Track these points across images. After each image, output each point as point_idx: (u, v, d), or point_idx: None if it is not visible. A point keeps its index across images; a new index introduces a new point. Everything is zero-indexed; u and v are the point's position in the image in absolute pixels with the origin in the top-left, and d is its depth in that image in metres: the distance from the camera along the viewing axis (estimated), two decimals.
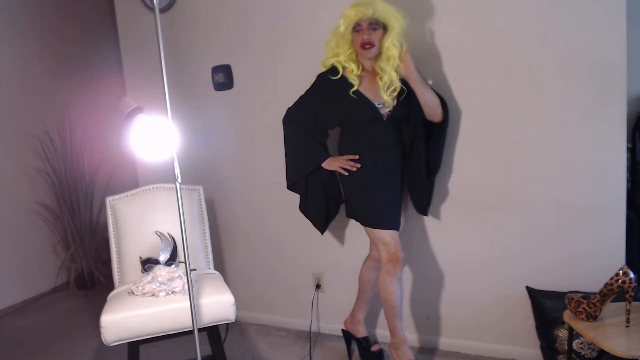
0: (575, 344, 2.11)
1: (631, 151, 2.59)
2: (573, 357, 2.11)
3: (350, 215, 2.37)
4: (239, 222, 3.02)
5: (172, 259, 2.21)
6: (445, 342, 2.59)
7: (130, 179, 3.55)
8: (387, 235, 2.23)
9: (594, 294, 1.88)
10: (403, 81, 2.19)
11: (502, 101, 2.28)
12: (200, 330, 1.98)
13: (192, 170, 2.72)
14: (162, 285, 2.08)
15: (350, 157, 2.25)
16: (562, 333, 2.19)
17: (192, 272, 2.08)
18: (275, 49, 2.71)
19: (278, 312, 3.02)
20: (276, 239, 2.93)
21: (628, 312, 1.74)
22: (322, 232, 2.48)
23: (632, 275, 1.74)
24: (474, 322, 2.50)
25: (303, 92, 2.33)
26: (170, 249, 2.22)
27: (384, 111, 2.22)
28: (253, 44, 2.76)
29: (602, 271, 1.96)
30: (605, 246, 2.19)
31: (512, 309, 2.39)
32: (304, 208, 2.45)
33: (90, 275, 3.80)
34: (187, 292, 1.92)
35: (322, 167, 2.33)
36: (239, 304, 2.22)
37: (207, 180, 2.83)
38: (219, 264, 3.07)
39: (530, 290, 2.32)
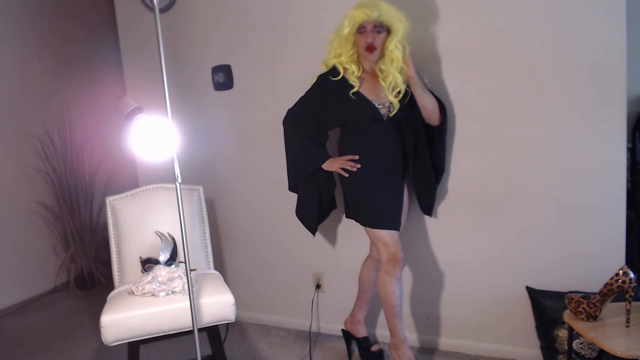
0: (575, 344, 2.11)
1: (631, 151, 2.59)
2: (573, 357, 2.11)
3: (349, 215, 2.37)
4: (239, 222, 3.02)
5: (172, 259, 2.21)
6: (445, 342, 2.59)
7: (130, 179, 3.55)
8: (386, 235, 2.23)
9: (594, 294, 1.88)
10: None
11: (502, 101, 2.28)
12: (200, 330, 1.98)
13: (192, 170, 2.71)
14: (162, 285, 2.08)
15: (350, 157, 2.25)
16: (562, 333, 2.19)
17: (192, 272, 2.08)
18: (275, 49, 2.71)
19: (278, 312, 3.02)
20: (276, 239, 2.93)
21: (628, 312, 1.74)
22: (314, 234, 2.48)
23: (632, 275, 1.74)
24: (474, 322, 2.50)
25: (303, 93, 2.33)
26: (170, 249, 2.22)
27: (384, 112, 2.22)
28: (253, 44, 2.76)
29: (602, 271, 1.96)
30: (605, 246, 2.19)
31: (512, 309, 2.39)
32: (298, 209, 2.46)
33: (90, 275, 3.80)
34: (187, 292, 1.92)
35: (322, 169, 2.33)
36: (239, 304, 2.22)
37: (207, 180, 2.83)
38: (219, 264, 3.07)
39: (530, 290, 2.32)
